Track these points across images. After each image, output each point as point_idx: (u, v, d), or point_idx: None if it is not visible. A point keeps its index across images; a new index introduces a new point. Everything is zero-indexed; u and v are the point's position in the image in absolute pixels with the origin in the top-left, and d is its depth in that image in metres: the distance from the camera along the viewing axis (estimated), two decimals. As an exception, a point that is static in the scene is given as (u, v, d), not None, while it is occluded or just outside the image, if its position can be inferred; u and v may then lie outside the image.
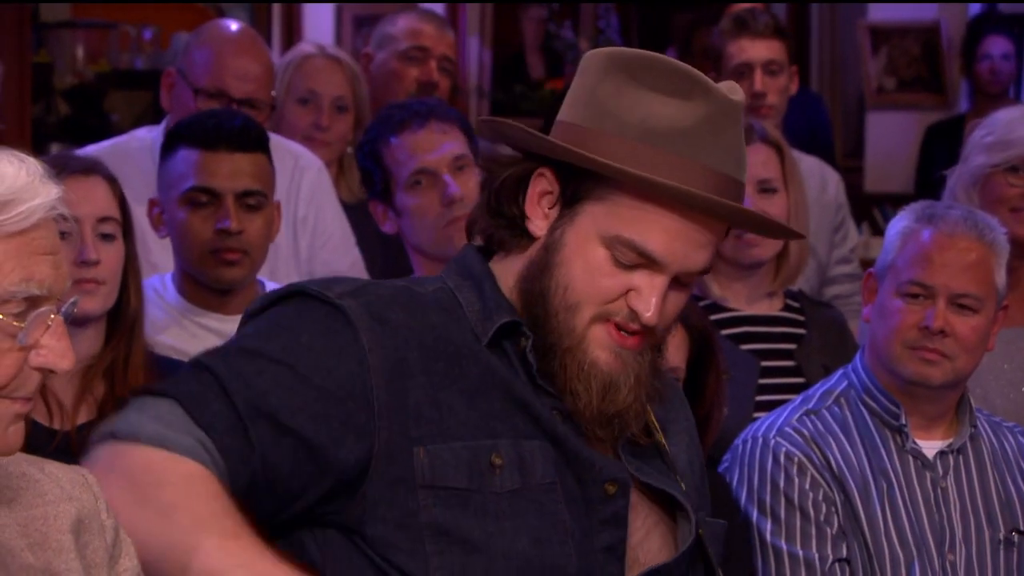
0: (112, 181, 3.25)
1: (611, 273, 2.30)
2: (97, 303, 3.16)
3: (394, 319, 2.28)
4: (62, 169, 3.19)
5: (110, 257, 3.18)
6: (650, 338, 2.33)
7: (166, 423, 2.18)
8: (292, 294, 2.33)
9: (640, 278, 2.30)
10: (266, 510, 2.23)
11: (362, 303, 2.28)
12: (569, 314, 2.30)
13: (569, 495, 2.29)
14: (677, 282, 2.32)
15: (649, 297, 2.29)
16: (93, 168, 3.24)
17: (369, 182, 3.85)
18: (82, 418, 3.15)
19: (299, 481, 2.22)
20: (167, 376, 3.21)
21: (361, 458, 2.22)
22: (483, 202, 2.40)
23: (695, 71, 2.31)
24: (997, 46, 7.60)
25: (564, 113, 2.37)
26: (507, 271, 2.38)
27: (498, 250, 2.40)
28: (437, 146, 3.72)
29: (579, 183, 2.32)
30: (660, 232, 2.29)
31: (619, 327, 2.31)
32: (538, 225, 2.35)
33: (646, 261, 2.29)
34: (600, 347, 2.31)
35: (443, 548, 2.22)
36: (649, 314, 2.28)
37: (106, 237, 3.19)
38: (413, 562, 2.22)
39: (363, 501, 2.23)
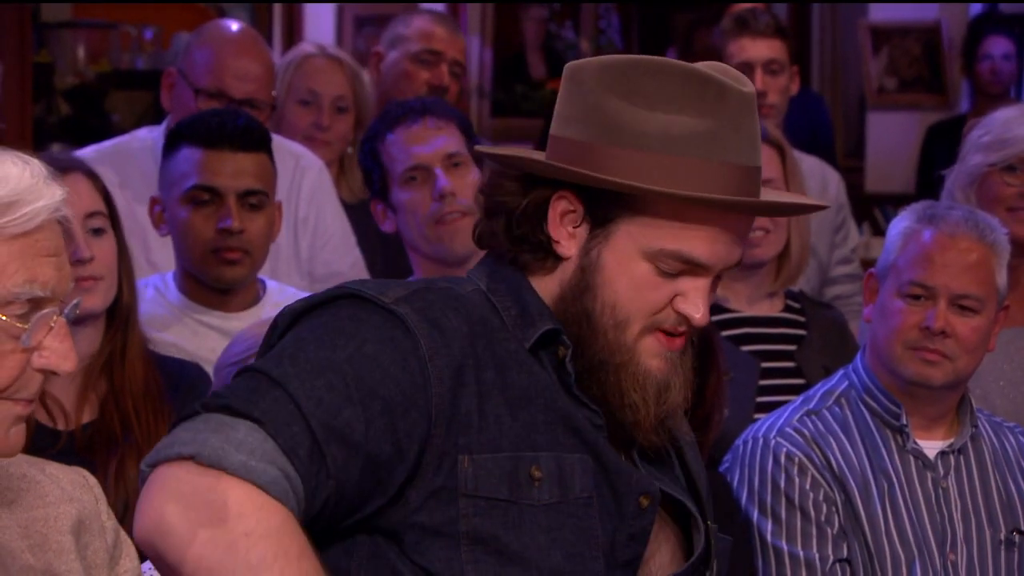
0: (92, 176, 3.24)
1: (657, 285, 2.31)
2: (98, 299, 3.17)
3: (449, 326, 2.26)
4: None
5: (104, 252, 3.18)
6: (691, 334, 2.37)
7: (249, 450, 2.13)
8: (344, 296, 2.30)
9: (685, 283, 2.32)
10: (328, 521, 2.22)
11: (418, 309, 2.26)
12: (619, 331, 2.31)
13: (604, 509, 2.30)
14: (715, 276, 2.36)
15: (697, 300, 2.32)
16: (71, 166, 3.23)
17: (369, 181, 3.85)
18: (85, 417, 3.16)
19: (364, 494, 2.21)
20: (165, 371, 3.25)
21: (414, 465, 2.22)
22: (500, 228, 2.36)
23: (702, 72, 2.30)
24: (998, 46, 7.61)
25: (562, 129, 2.34)
26: (538, 287, 2.36)
27: (522, 269, 2.38)
28: (430, 141, 3.72)
29: (608, 202, 2.31)
30: (703, 240, 2.30)
31: (667, 332, 2.33)
32: (567, 246, 2.33)
33: (691, 267, 2.31)
34: (651, 356, 2.33)
35: (479, 557, 2.22)
36: (699, 315, 2.32)
37: (96, 232, 3.18)
38: (448, 570, 2.22)
39: (405, 506, 2.22)
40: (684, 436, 2.49)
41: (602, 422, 2.33)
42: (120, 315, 3.20)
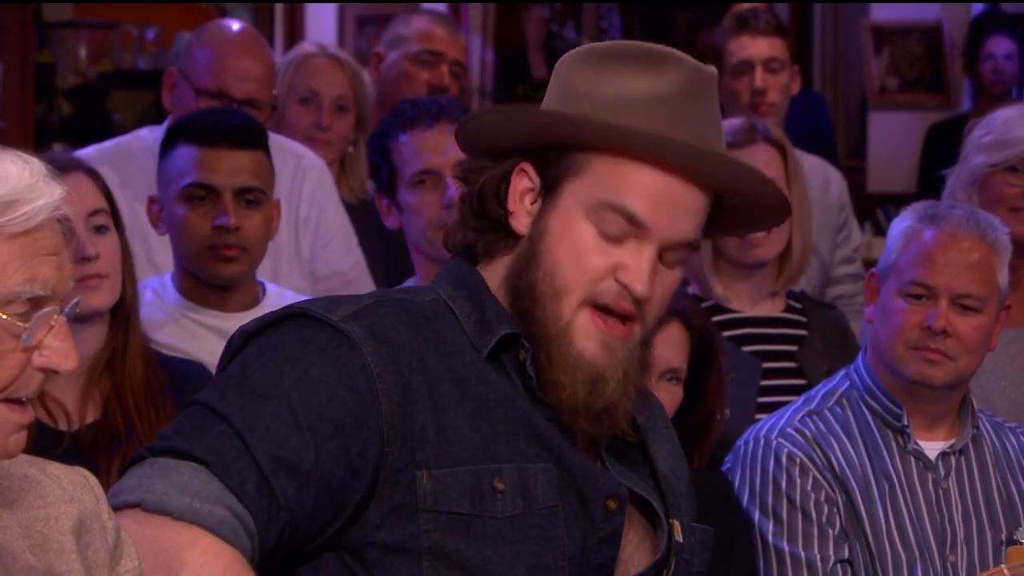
0: (93, 174, 3.25)
1: (598, 249, 2.26)
2: (104, 297, 3.17)
3: (399, 340, 2.24)
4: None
5: (108, 249, 3.18)
6: (639, 325, 2.29)
7: (194, 492, 2.13)
8: (293, 316, 2.28)
9: (627, 252, 2.26)
10: (290, 548, 2.20)
11: (365, 326, 2.23)
12: (555, 300, 2.26)
13: (570, 515, 2.27)
14: (664, 261, 2.29)
15: (638, 267, 2.25)
16: (72, 165, 3.24)
17: (376, 175, 3.85)
18: (89, 417, 3.16)
19: (320, 521, 2.20)
20: (168, 370, 3.25)
21: (370, 485, 2.20)
22: (464, 207, 2.36)
23: (664, 47, 2.30)
24: (1000, 46, 7.60)
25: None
26: (494, 275, 2.34)
27: (483, 257, 2.36)
28: (444, 147, 3.71)
29: (555, 164, 2.29)
30: (641, 193, 2.25)
31: (608, 310, 2.26)
32: (522, 222, 2.32)
33: (632, 229, 2.26)
34: (586, 336, 2.26)
35: (441, 572, 2.20)
36: (640, 286, 2.24)
37: (99, 229, 3.19)
38: None
39: (364, 525, 2.21)
40: (660, 428, 2.47)
41: (564, 421, 2.31)
42: (123, 313, 3.21)
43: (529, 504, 2.24)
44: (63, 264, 1.96)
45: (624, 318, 2.27)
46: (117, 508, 2.14)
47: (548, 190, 2.30)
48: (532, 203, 2.32)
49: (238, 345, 2.29)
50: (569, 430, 2.32)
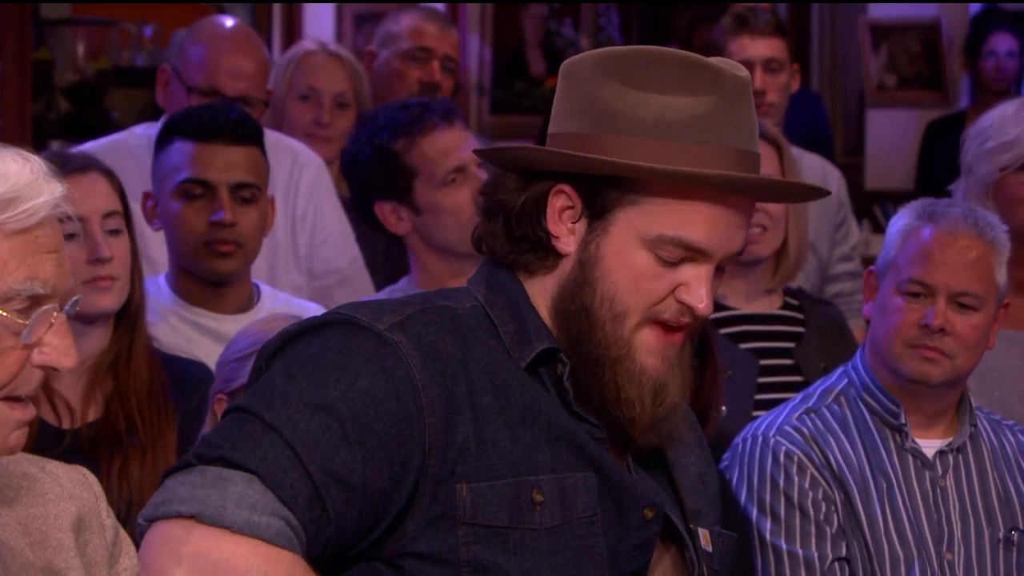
0: (110, 175, 3.26)
1: (657, 275, 2.27)
2: (113, 299, 3.18)
3: (444, 350, 2.23)
4: (59, 169, 3.20)
5: (120, 251, 3.20)
6: (692, 329, 2.33)
7: (251, 505, 2.12)
8: (338, 322, 2.26)
9: (687, 272, 2.28)
10: (328, 558, 2.21)
11: (412, 335, 2.23)
12: (616, 323, 2.27)
13: (608, 524, 2.28)
14: (717, 267, 2.31)
15: (699, 289, 2.27)
16: (90, 164, 3.25)
17: (378, 182, 3.76)
18: (90, 416, 3.16)
19: (363, 530, 2.20)
20: (170, 370, 3.24)
21: (410, 495, 2.20)
22: (500, 229, 2.34)
23: (697, 57, 2.29)
24: (1003, 43, 7.59)
25: (560, 125, 2.32)
26: (537, 291, 2.33)
27: (522, 271, 2.35)
28: (467, 144, 3.71)
29: (605, 193, 2.28)
30: (702, 223, 2.26)
31: (666, 325, 2.29)
32: (566, 242, 2.31)
33: (691, 254, 2.27)
34: (648, 353, 2.29)
35: None
36: (703, 305, 2.27)
37: (113, 232, 3.20)
38: None
39: (403, 535, 2.21)
40: (682, 435, 2.47)
41: (603, 435, 2.31)
42: (129, 315, 3.22)
43: (568, 514, 2.25)
44: (63, 262, 1.97)
45: (682, 327, 2.31)
46: (168, 517, 2.11)
47: (596, 216, 2.30)
48: (573, 222, 2.31)
49: (277, 346, 2.27)
50: (604, 442, 2.32)
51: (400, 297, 2.39)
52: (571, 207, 2.30)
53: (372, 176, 3.75)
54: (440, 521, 2.20)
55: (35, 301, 1.94)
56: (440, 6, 7.49)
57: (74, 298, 1.98)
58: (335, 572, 2.24)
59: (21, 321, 1.93)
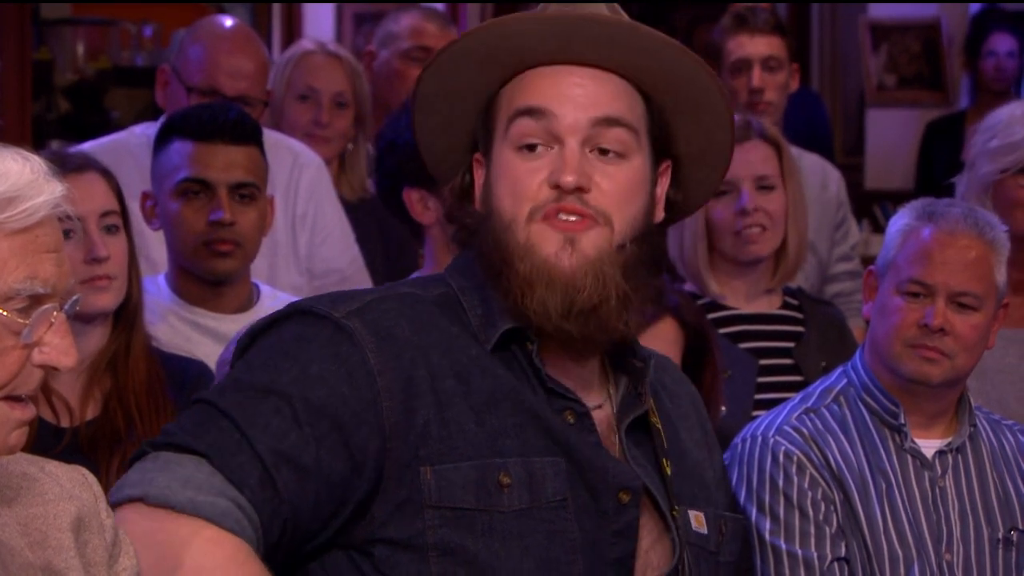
0: (107, 174, 3.27)
1: (526, 168, 2.28)
2: (110, 298, 3.19)
3: (401, 335, 2.24)
4: (57, 168, 3.20)
5: (117, 250, 3.20)
6: (601, 224, 2.27)
7: (196, 485, 2.14)
8: (296, 312, 2.29)
9: (552, 158, 2.28)
10: (292, 544, 2.21)
11: (368, 321, 2.24)
12: (509, 232, 2.28)
13: (581, 508, 2.27)
14: (601, 152, 2.29)
15: (561, 164, 2.26)
16: (88, 164, 3.25)
17: (416, 168, 3.71)
18: (89, 414, 3.17)
19: (324, 515, 2.21)
20: (169, 368, 3.25)
21: (373, 481, 2.21)
22: (448, 216, 2.41)
23: None
24: (1003, 43, 7.59)
25: None
26: None
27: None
28: None
29: (485, 137, 2.34)
30: (540, 88, 2.29)
31: (557, 214, 2.27)
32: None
33: (541, 126, 2.27)
34: (546, 242, 2.27)
35: (448, 568, 2.20)
36: (569, 177, 2.25)
37: (110, 230, 3.21)
38: None
39: (371, 521, 2.21)
40: (690, 416, 2.46)
41: (585, 409, 2.31)
42: (127, 314, 3.23)
43: (536, 498, 2.24)
44: (63, 261, 1.97)
45: (579, 217, 2.28)
46: (120, 503, 2.14)
47: (489, 160, 2.34)
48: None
49: (247, 343, 2.31)
50: (587, 417, 2.30)
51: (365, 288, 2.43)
52: (482, 169, 2.36)
53: (407, 161, 3.73)
54: (407, 505, 2.20)
55: (35, 300, 1.94)
56: (440, 6, 7.49)
57: (73, 297, 1.99)
58: (307, 561, 2.24)
59: (21, 320, 1.93)
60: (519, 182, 2.28)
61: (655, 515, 2.35)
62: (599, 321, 2.27)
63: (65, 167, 3.17)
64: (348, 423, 2.19)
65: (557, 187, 2.26)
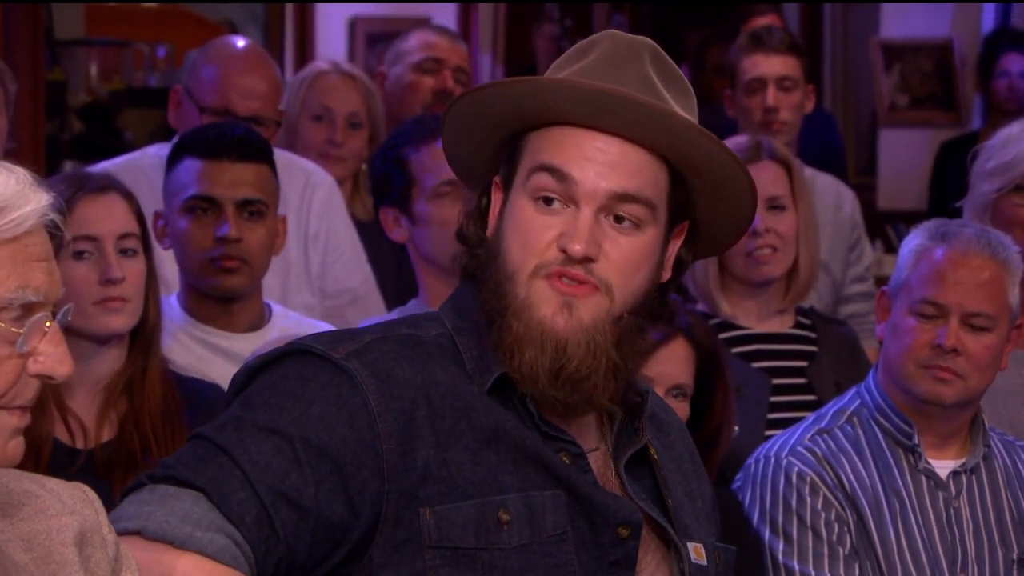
0: (129, 196, 3.27)
1: (539, 224, 2.26)
2: (124, 320, 3.18)
3: (401, 376, 2.24)
4: (79, 188, 3.21)
5: (134, 273, 3.20)
6: (602, 293, 2.26)
7: (195, 520, 2.14)
8: (296, 352, 2.28)
9: (565, 219, 2.26)
10: None
11: (368, 363, 2.23)
12: (511, 283, 2.26)
13: (580, 541, 2.26)
14: (615, 222, 2.28)
15: (573, 230, 2.25)
16: (109, 185, 3.25)
17: (385, 187, 3.79)
18: (104, 436, 3.16)
19: (318, 555, 2.20)
20: (184, 391, 3.24)
21: (371, 523, 2.20)
22: (460, 239, 2.38)
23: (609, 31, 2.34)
24: (1015, 63, 7.58)
25: None
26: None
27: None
28: None
29: (507, 168, 2.32)
30: (562, 147, 2.27)
31: (561, 277, 2.25)
32: (491, 228, 2.35)
33: (562, 187, 2.26)
34: (545, 302, 2.25)
35: None
36: (576, 244, 2.24)
37: (128, 252, 3.20)
38: None
39: (369, 563, 2.21)
40: (679, 448, 2.45)
41: (580, 450, 2.30)
42: (144, 336, 3.22)
43: (536, 532, 2.24)
44: (53, 270, 1.98)
45: (581, 283, 2.26)
46: (117, 535, 2.14)
47: (507, 193, 2.33)
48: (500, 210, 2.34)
49: (243, 381, 2.30)
50: (582, 458, 2.30)
51: (364, 326, 2.41)
52: (500, 193, 2.34)
53: (383, 180, 3.77)
54: (406, 546, 2.20)
55: (27, 309, 1.94)
56: (452, 24, 7.51)
57: (66, 307, 1.99)
58: None
59: (15, 330, 1.93)
60: (531, 235, 2.28)
61: (653, 548, 2.35)
62: (585, 392, 2.27)
63: (87, 187, 3.17)
64: (348, 465, 2.19)
65: (565, 252, 2.26)
